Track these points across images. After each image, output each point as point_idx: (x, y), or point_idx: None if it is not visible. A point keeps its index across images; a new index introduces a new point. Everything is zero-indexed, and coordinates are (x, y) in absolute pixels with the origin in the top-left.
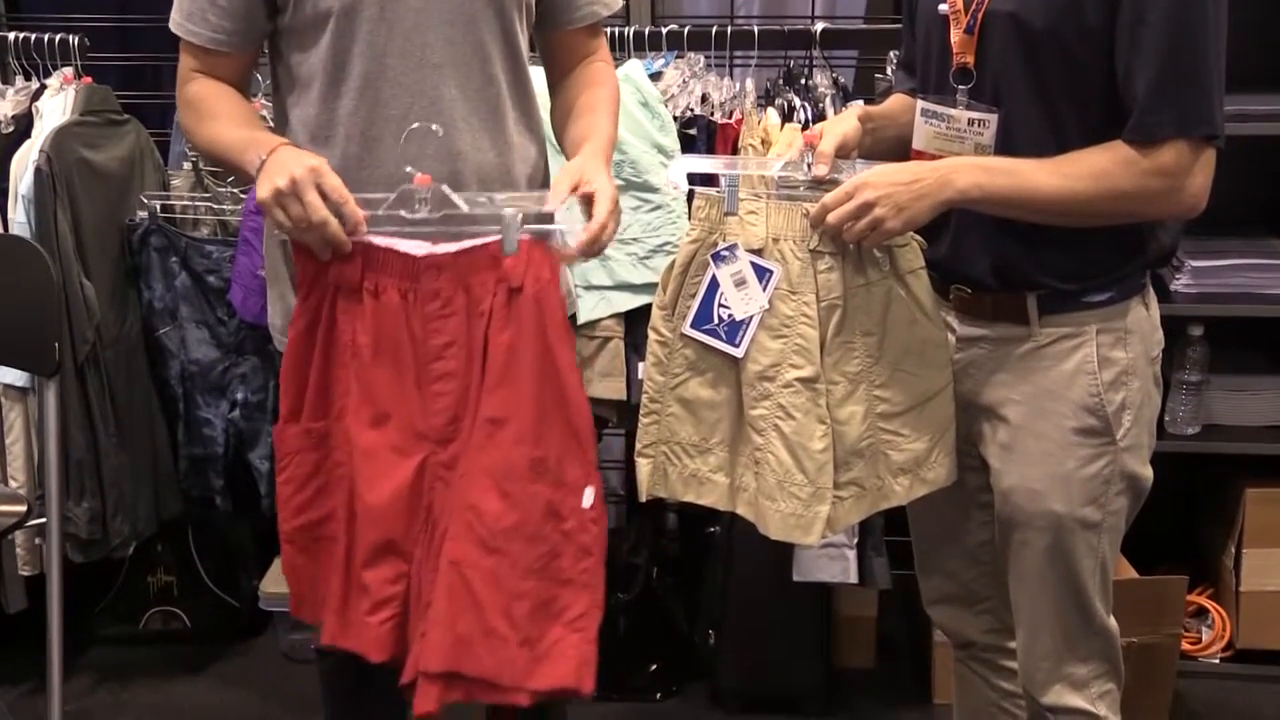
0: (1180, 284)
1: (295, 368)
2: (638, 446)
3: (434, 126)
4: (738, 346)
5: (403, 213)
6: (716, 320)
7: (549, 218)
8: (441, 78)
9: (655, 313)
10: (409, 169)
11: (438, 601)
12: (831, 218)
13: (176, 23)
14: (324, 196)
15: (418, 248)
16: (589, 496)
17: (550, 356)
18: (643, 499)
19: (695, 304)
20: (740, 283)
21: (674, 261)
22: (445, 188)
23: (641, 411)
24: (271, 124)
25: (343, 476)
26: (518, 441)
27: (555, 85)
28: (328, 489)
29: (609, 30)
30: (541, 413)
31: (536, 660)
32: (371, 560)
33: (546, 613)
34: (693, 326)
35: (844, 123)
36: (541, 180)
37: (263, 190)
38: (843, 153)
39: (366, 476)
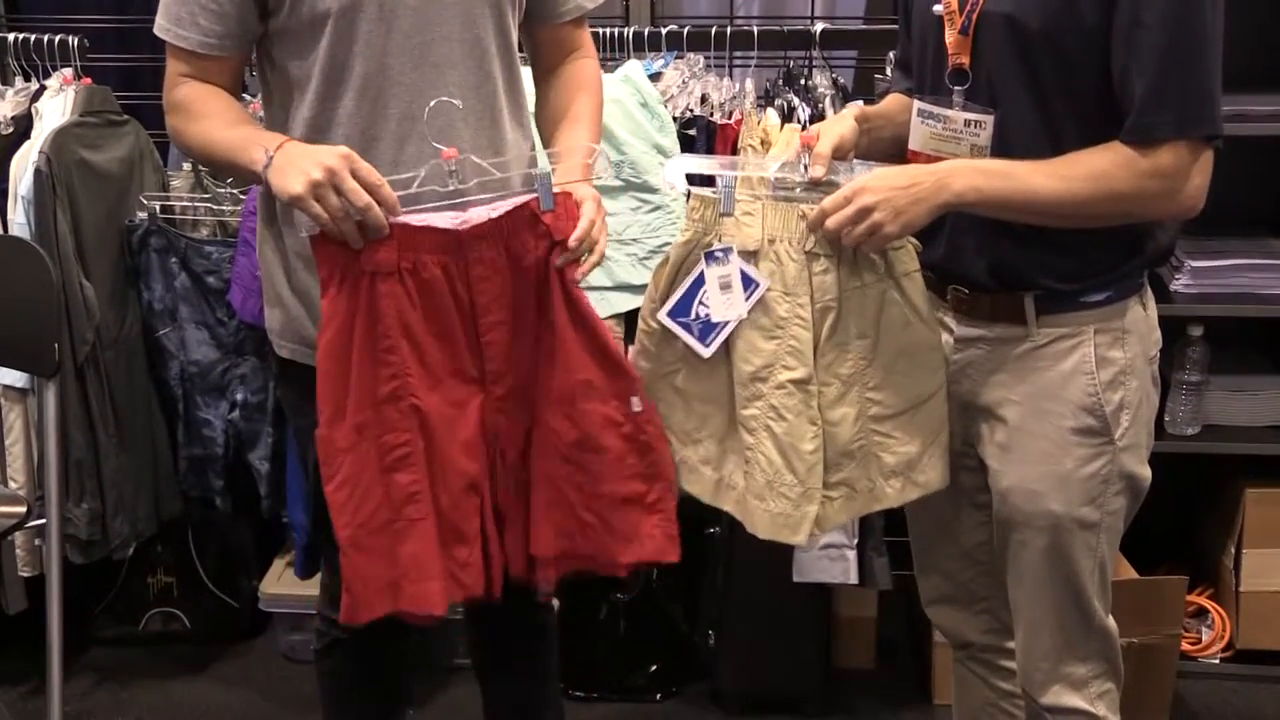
0: (1180, 284)
1: (336, 366)
2: None
3: (456, 102)
4: (706, 346)
5: (436, 187)
6: (693, 315)
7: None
8: (441, 76)
9: (645, 305)
10: (435, 145)
11: (536, 505)
12: (830, 223)
13: (164, 28)
14: (360, 182)
15: (452, 220)
16: (636, 403)
17: (575, 295)
18: None
19: (677, 294)
20: (725, 286)
21: (668, 258)
22: (473, 156)
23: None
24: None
25: (408, 455)
26: (567, 369)
27: (541, 80)
28: (382, 476)
29: (609, 31)
30: (581, 343)
31: (626, 541)
32: (465, 507)
33: (626, 504)
34: (668, 315)
35: (840, 124)
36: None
37: (296, 184)
38: (839, 154)
39: (443, 438)
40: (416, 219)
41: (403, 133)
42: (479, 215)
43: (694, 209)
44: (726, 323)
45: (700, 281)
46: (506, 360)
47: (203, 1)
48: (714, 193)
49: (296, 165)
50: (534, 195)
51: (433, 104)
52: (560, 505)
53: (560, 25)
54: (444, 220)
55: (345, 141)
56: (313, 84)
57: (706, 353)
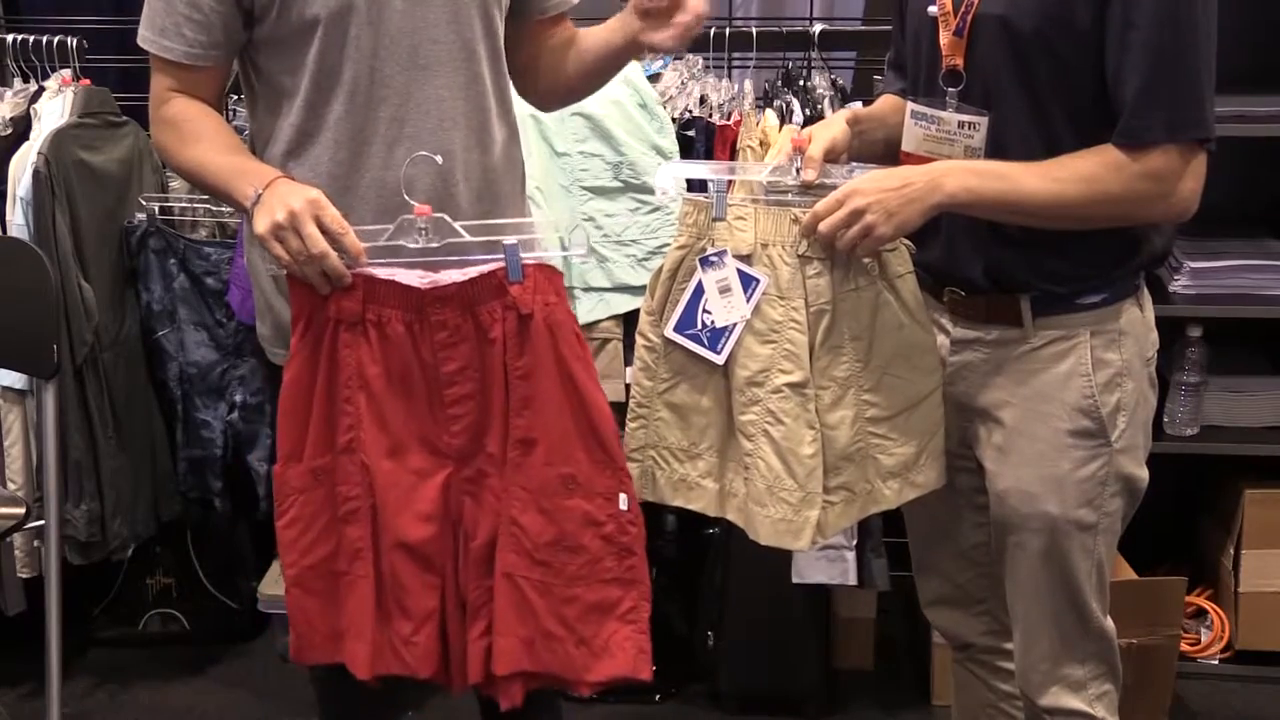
0: (1179, 285)
1: (296, 406)
2: (625, 451)
3: (437, 157)
4: (719, 353)
5: (404, 243)
6: (699, 325)
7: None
8: (430, 78)
9: (643, 318)
10: (408, 198)
11: (499, 610)
12: (823, 226)
13: (148, 39)
14: (323, 229)
15: (419, 279)
16: (624, 501)
17: (569, 376)
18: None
19: (679, 308)
20: (725, 290)
21: (662, 266)
22: (446, 216)
23: (629, 416)
24: (248, 134)
25: (357, 510)
26: (548, 461)
27: (521, 72)
28: (336, 524)
29: None
30: (566, 431)
31: (594, 655)
32: (410, 582)
33: (598, 612)
34: (675, 330)
35: (832, 127)
36: (518, 168)
37: (260, 225)
38: (832, 157)
39: (394, 502)
40: (384, 272)
41: (392, 136)
42: (448, 277)
43: (686, 214)
44: (734, 325)
45: (700, 290)
46: (474, 440)
47: (186, 12)
48: (706, 198)
49: (267, 205)
50: (502, 264)
51: (414, 156)
52: (524, 612)
53: (544, 21)
54: (411, 277)
55: (335, 147)
56: (301, 90)
57: (720, 359)
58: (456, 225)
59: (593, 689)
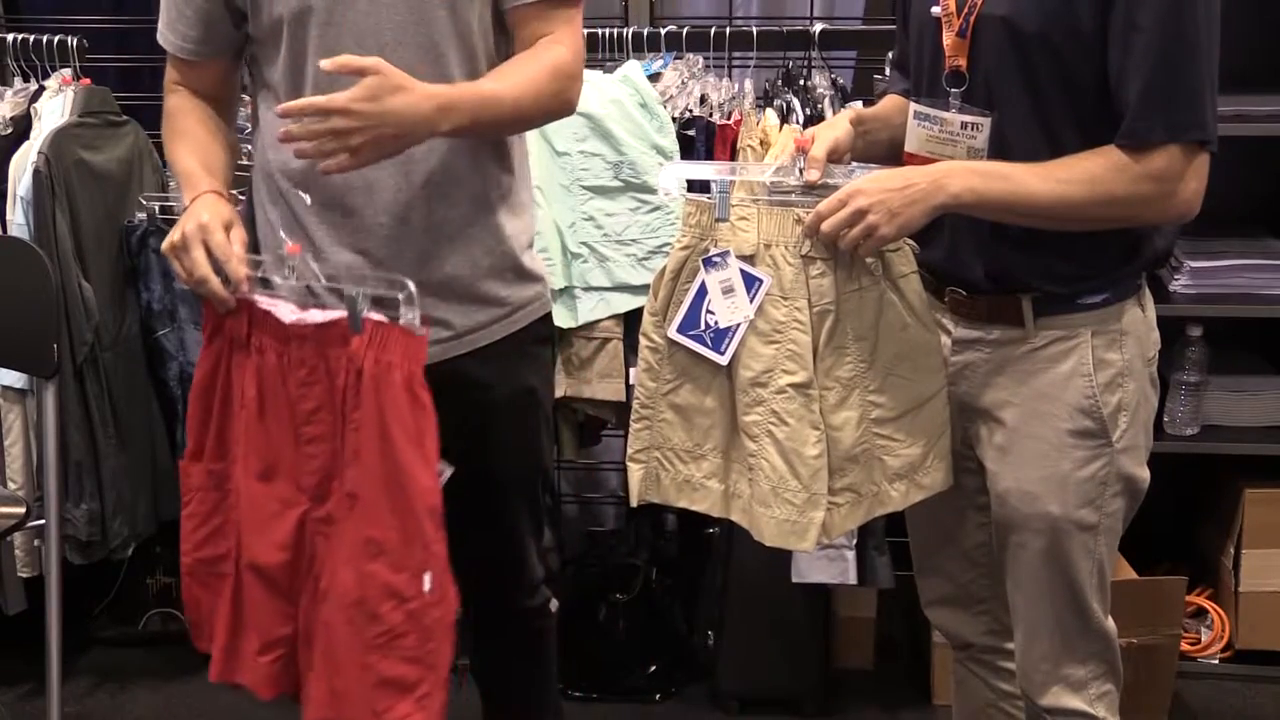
0: (1179, 284)
1: (200, 408)
2: (629, 452)
3: (305, 197)
4: (723, 354)
5: (275, 278)
6: (703, 326)
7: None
8: None
9: (646, 319)
10: (282, 234)
11: (318, 656)
12: (825, 226)
13: (159, 31)
14: (210, 254)
15: (290, 313)
16: (427, 581)
17: (388, 438)
18: (634, 504)
19: (683, 309)
20: (728, 290)
21: (665, 267)
22: (309, 259)
23: (633, 417)
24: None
25: (233, 520)
26: (361, 521)
27: None
28: (225, 528)
29: (608, 31)
30: (381, 495)
31: None
32: (261, 605)
33: (393, 687)
34: (679, 331)
35: (836, 127)
36: (505, 170)
37: (165, 242)
38: (835, 157)
39: (253, 526)
40: (265, 301)
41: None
42: (313, 317)
43: (689, 215)
44: (737, 325)
45: (703, 291)
46: (326, 480)
47: (180, 8)
48: (709, 198)
49: (178, 223)
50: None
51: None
52: (335, 664)
53: (523, 9)
54: (285, 311)
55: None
56: (280, 88)
57: (724, 360)
58: (314, 268)
59: None
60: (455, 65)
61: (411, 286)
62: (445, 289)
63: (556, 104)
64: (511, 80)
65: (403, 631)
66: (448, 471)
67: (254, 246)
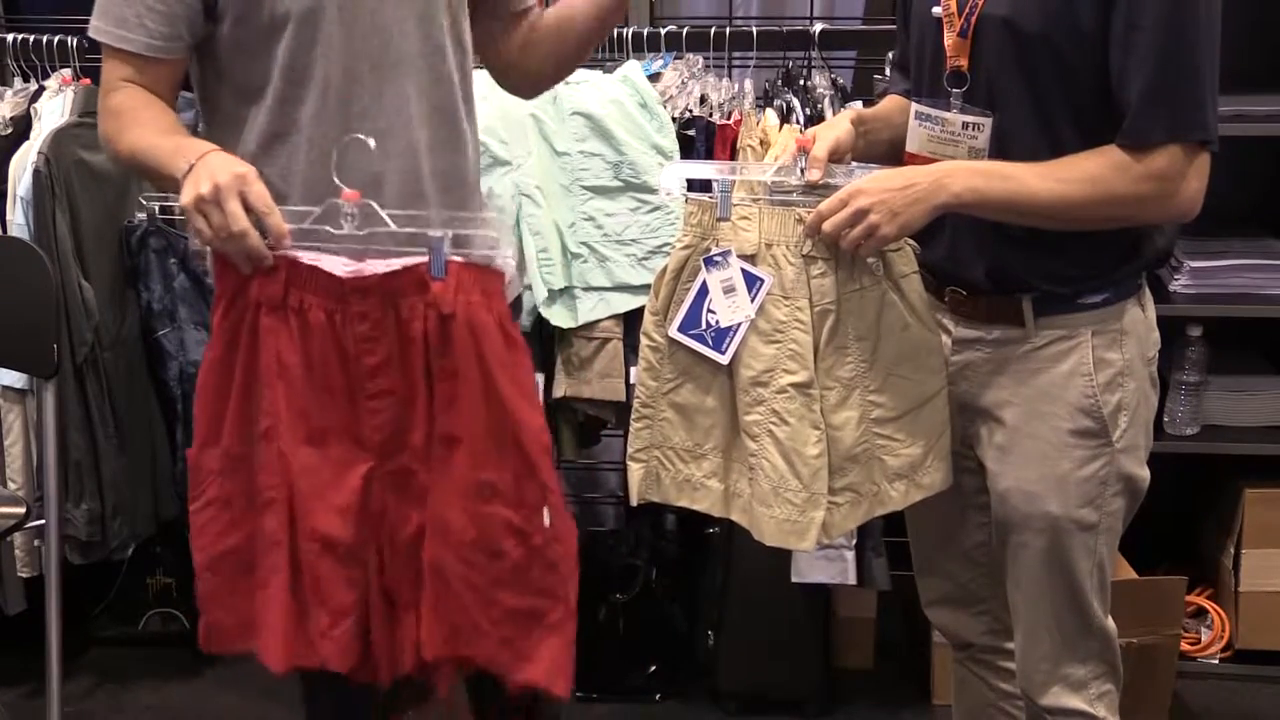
0: (1179, 284)
1: (215, 389)
2: (629, 451)
3: (369, 141)
4: (723, 353)
5: (328, 228)
6: (704, 325)
7: (480, 239)
8: (399, 76)
9: (647, 318)
10: (336, 182)
11: (428, 599)
12: (827, 226)
13: (104, 30)
14: (247, 206)
15: (342, 266)
16: (546, 516)
17: (491, 381)
18: (634, 503)
19: (684, 308)
20: (729, 290)
21: (666, 266)
22: (373, 204)
23: (633, 416)
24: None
25: (273, 499)
26: (469, 464)
27: (502, 73)
28: (251, 512)
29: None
30: (487, 437)
31: (517, 657)
32: (327, 575)
33: (523, 617)
34: (679, 330)
35: (837, 127)
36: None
37: (185, 196)
38: (836, 157)
39: (311, 492)
40: (308, 256)
41: (364, 134)
42: (371, 267)
43: (691, 214)
44: (738, 325)
45: (704, 290)
46: (395, 437)
47: (150, 3)
48: (710, 198)
49: (194, 177)
50: (425, 260)
51: (346, 140)
52: (452, 602)
53: (518, 14)
54: (335, 265)
55: (309, 145)
56: (270, 89)
57: (725, 359)
58: (384, 214)
59: (515, 687)
60: (451, 59)
61: (491, 217)
62: None
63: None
64: None
65: (527, 565)
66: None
67: None
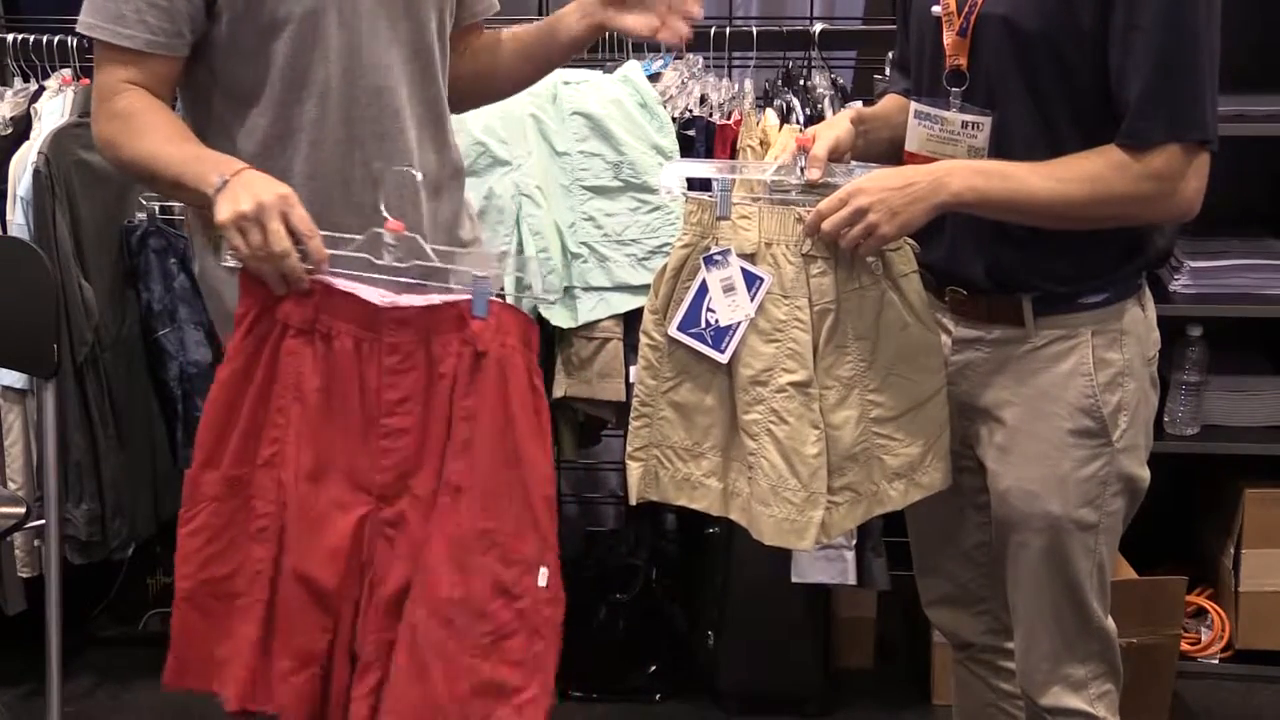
0: (1179, 284)
1: (224, 410)
2: (628, 450)
3: (417, 174)
4: (723, 352)
5: (370, 257)
6: (703, 324)
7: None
8: (395, 79)
9: (647, 317)
10: (384, 211)
11: (397, 668)
12: (826, 225)
13: (98, 26)
14: (289, 228)
15: (380, 296)
16: (543, 576)
17: (512, 426)
18: (632, 502)
19: (683, 307)
20: (729, 289)
21: (666, 265)
22: (419, 238)
23: (632, 415)
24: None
25: (268, 529)
26: (473, 512)
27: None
28: (242, 541)
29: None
30: (498, 484)
31: None
32: (302, 618)
33: (493, 693)
34: (679, 329)
35: (837, 126)
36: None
37: (223, 212)
38: (836, 156)
39: (302, 530)
40: (343, 283)
41: (363, 136)
42: (408, 300)
43: (691, 213)
44: (738, 324)
45: (704, 289)
46: (403, 478)
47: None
48: (710, 196)
49: (233, 193)
50: (467, 297)
51: (396, 170)
52: (419, 677)
53: (470, 26)
54: (371, 294)
55: (310, 148)
56: (268, 91)
57: (724, 358)
58: (427, 248)
59: None
60: (439, 62)
61: (536, 265)
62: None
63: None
64: None
65: (511, 631)
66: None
67: None
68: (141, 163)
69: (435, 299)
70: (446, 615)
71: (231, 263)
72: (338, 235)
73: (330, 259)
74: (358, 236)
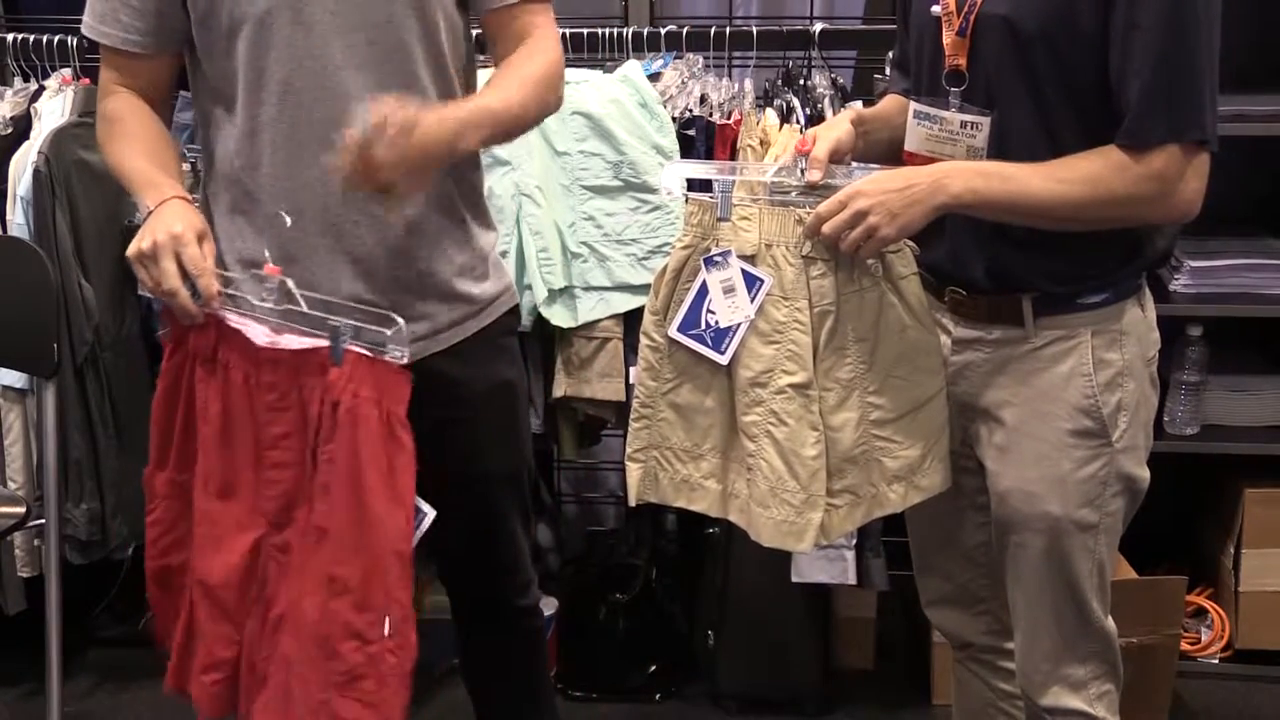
0: (1179, 284)
1: (162, 419)
2: (628, 451)
3: (287, 219)
4: (723, 354)
5: (251, 298)
6: (703, 326)
7: (381, 335)
8: (360, 80)
9: (647, 318)
10: (266, 254)
11: (268, 688)
12: (826, 228)
13: (89, 25)
14: (182, 266)
15: (264, 335)
16: (386, 625)
17: (359, 477)
18: (632, 504)
19: (684, 308)
20: (729, 290)
21: (666, 266)
22: (290, 283)
23: (632, 416)
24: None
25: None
26: (328, 556)
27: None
28: (187, 538)
29: (608, 31)
30: (348, 531)
31: None
32: (206, 625)
33: None
34: (679, 330)
35: (837, 127)
36: (466, 170)
37: (131, 247)
38: (836, 157)
39: (205, 544)
40: (234, 319)
41: (326, 137)
42: (288, 342)
43: (691, 214)
44: (738, 325)
45: (704, 290)
46: (288, 509)
47: None
48: (711, 197)
49: (145, 228)
50: (326, 344)
51: (276, 213)
52: (287, 698)
53: (500, 11)
54: (257, 332)
55: (272, 148)
56: (236, 90)
57: (724, 359)
58: (297, 293)
59: None
60: (423, 64)
61: (402, 324)
62: (422, 287)
63: (554, 105)
64: (514, 91)
65: (362, 674)
66: (429, 515)
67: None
68: (113, 168)
69: (306, 343)
70: (307, 650)
71: (145, 292)
72: (227, 274)
73: (221, 296)
74: (240, 276)
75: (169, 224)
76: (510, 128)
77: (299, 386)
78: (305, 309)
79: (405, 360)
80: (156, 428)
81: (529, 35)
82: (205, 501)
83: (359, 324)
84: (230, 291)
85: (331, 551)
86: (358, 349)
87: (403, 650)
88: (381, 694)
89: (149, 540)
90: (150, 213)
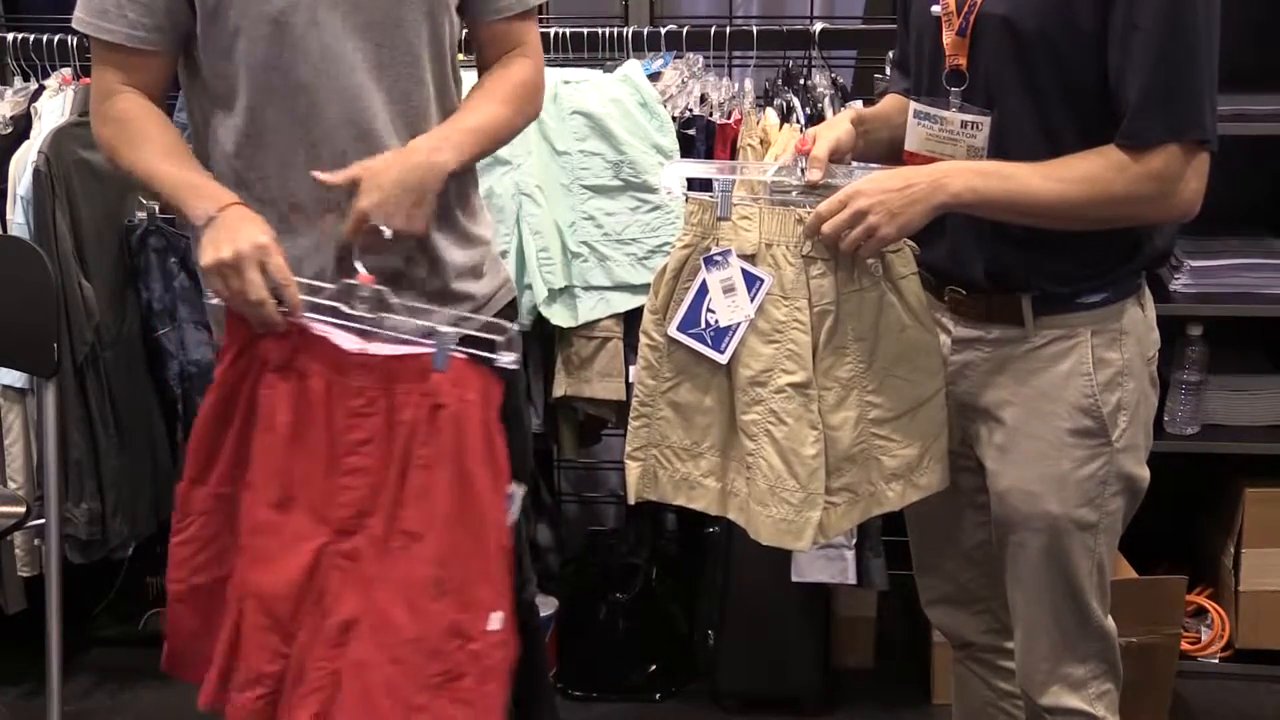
0: (1179, 284)
1: (210, 432)
2: (627, 450)
3: (388, 232)
4: (722, 353)
5: (341, 306)
6: (703, 325)
7: (485, 341)
8: (370, 82)
9: (647, 317)
10: (357, 264)
11: (345, 698)
12: (826, 227)
13: (85, 21)
14: (266, 276)
15: (350, 341)
16: (495, 621)
17: (467, 479)
18: (631, 501)
19: (683, 307)
20: (729, 289)
21: (666, 265)
22: (387, 290)
23: (631, 415)
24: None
25: (245, 546)
26: (427, 559)
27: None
28: (229, 553)
29: (608, 31)
30: (452, 533)
31: None
32: (255, 637)
33: None
34: (679, 329)
35: (837, 127)
36: (461, 186)
37: (205, 256)
38: (836, 157)
39: (259, 555)
40: (319, 326)
41: (333, 140)
42: (377, 348)
43: (691, 214)
44: (737, 325)
45: (704, 289)
46: (360, 516)
47: None
48: (711, 197)
49: (216, 237)
50: (430, 350)
51: (365, 230)
52: (369, 704)
53: (496, 23)
54: (343, 339)
55: (281, 149)
56: (242, 92)
57: (724, 359)
58: (395, 301)
59: None
60: (428, 66)
61: (514, 329)
62: (423, 289)
63: (534, 114)
64: (497, 105)
65: (462, 672)
66: (519, 494)
67: None
68: (138, 174)
69: (401, 349)
70: (397, 654)
71: (215, 300)
72: (312, 283)
73: (307, 304)
74: (331, 285)
75: (250, 234)
76: (493, 143)
77: (389, 392)
78: (404, 318)
79: (514, 365)
80: (202, 441)
81: (516, 45)
82: (262, 512)
83: (467, 332)
84: (323, 301)
85: (429, 555)
86: (459, 354)
87: (507, 646)
88: (482, 690)
89: (177, 560)
90: (211, 219)
